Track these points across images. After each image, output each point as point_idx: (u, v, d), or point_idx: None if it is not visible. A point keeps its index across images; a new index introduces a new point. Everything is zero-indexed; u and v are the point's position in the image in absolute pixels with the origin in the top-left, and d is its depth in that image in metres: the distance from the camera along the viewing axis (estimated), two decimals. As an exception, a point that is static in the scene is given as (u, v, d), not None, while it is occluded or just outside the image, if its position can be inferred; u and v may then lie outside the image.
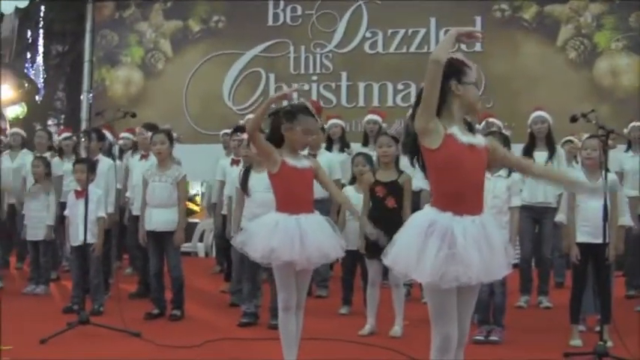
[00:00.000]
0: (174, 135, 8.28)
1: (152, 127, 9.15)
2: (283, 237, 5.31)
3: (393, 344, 6.69)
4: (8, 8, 15.63)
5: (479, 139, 4.13)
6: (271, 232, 5.37)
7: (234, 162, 9.21)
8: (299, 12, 14.71)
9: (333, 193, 5.79)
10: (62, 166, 10.05)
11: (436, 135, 3.99)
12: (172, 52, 15.56)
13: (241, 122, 10.67)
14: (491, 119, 9.17)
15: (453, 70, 4.05)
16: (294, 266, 5.37)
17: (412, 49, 13.99)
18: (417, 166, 4.22)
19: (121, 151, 10.83)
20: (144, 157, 9.31)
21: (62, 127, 18.81)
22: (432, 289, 4.01)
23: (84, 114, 16.53)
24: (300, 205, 5.43)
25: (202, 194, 12.98)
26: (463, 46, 13.29)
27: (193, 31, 15.43)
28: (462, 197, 3.98)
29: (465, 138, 4.01)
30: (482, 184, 4.14)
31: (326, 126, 9.78)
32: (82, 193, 7.80)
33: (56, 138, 11.21)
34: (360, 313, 7.61)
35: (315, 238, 5.33)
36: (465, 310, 4.16)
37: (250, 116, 10.79)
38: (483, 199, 4.16)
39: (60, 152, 10.33)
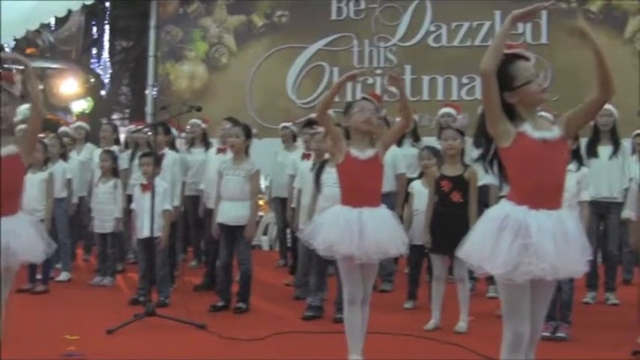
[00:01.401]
0: (254, 131, 8.31)
1: (232, 121, 9.16)
2: (343, 230, 5.30)
3: (457, 339, 6.62)
4: (75, 5, 15.79)
5: (553, 132, 4.03)
6: (332, 225, 5.38)
7: (305, 156, 9.20)
8: (362, 6, 14.70)
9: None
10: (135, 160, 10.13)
11: (507, 135, 3.97)
12: (236, 46, 15.65)
13: (313, 116, 10.72)
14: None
15: (503, 81, 3.97)
16: (355, 260, 5.35)
17: (477, 42, 13.88)
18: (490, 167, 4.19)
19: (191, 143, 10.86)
20: (221, 150, 9.31)
21: (128, 121, 18.98)
22: (505, 284, 3.95)
23: (149, 108, 16.72)
24: (364, 198, 5.39)
25: (266, 188, 12.98)
26: (528, 39, 13.22)
27: (257, 26, 15.50)
28: (537, 192, 3.92)
29: (537, 133, 3.95)
30: (560, 179, 4.06)
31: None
32: (148, 186, 7.86)
33: (132, 128, 11.28)
34: (425, 308, 7.55)
35: (374, 233, 5.29)
36: (539, 308, 4.09)
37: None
38: (562, 193, 4.08)
39: (135, 146, 10.38)
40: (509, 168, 4.06)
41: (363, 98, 5.66)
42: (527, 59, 4.07)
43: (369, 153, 5.44)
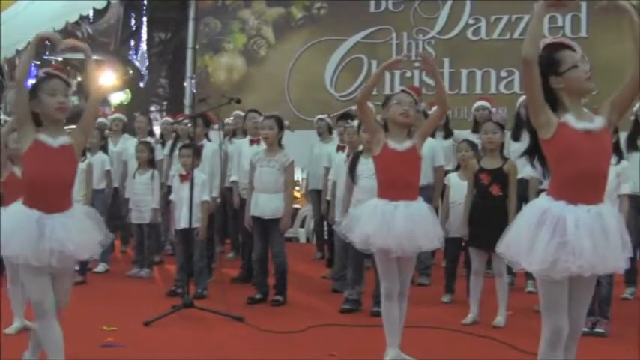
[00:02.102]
0: (285, 123, 8.30)
1: (260, 114, 9.20)
2: (379, 223, 5.29)
3: (495, 334, 6.58)
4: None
5: (596, 123, 3.95)
6: (369, 219, 5.37)
7: (340, 148, 9.19)
8: (401, -2, 14.65)
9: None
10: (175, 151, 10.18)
11: (549, 126, 3.92)
12: (275, 38, 15.65)
13: (354, 108, 10.68)
14: None
15: (548, 65, 3.95)
16: (391, 253, 5.32)
17: (516, 36, 13.75)
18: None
19: (225, 136, 10.90)
20: (254, 142, 9.32)
21: (166, 113, 19.07)
22: (543, 279, 3.91)
23: (187, 100, 16.77)
24: (400, 190, 5.36)
25: (303, 180, 13.00)
26: (568, 32, 13.10)
27: (295, 18, 15.49)
28: (577, 185, 3.87)
29: (580, 124, 3.89)
30: (602, 172, 3.98)
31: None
32: (187, 178, 7.88)
33: (169, 121, 11.33)
34: (463, 302, 7.51)
35: (409, 227, 5.26)
36: (580, 304, 4.03)
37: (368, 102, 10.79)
38: (604, 187, 4.01)
39: (175, 137, 10.41)
40: (549, 160, 4.01)
41: (402, 91, 5.62)
42: (573, 50, 4.02)
43: (406, 145, 5.42)
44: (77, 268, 8.76)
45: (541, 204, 3.98)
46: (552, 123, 3.91)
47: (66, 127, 4.72)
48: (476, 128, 9.52)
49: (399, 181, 5.36)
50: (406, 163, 5.40)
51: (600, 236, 3.80)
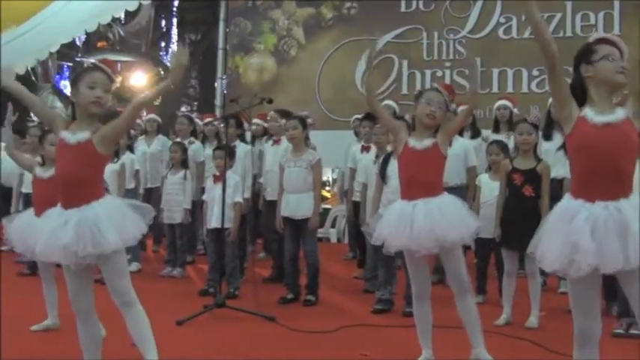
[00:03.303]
0: (309, 121, 8.30)
1: (285, 114, 9.23)
2: (395, 225, 5.25)
3: (528, 335, 6.54)
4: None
5: (617, 115, 3.90)
6: (387, 220, 5.36)
7: (364, 149, 9.19)
8: (432, -3, 14.63)
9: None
10: (204, 152, 10.23)
11: (569, 121, 3.92)
12: (305, 39, 15.69)
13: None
14: None
15: (583, 53, 3.97)
16: (415, 254, 5.28)
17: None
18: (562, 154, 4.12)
19: (254, 137, 10.93)
20: (276, 142, 9.35)
21: (196, 114, 19.15)
22: (568, 279, 3.90)
23: (218, 101, 16.84)
24: (419, 189, 5.25)
25: (334, 180, 13.00)
26: (600, 29, 13.01)
27: (326, 18, 15.51)
28: (593, 181, 3.82)
29: (599, 118, 3.85)
30: (622, 165, 3.88)
31: (458, 111, 9.62)
32: (220, 178, 7.90)
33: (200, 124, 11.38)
34: (495, 303, 7.47)
35: (427, 224, 5.13)
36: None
37: (388, 102, 10.74)
38: (628, 181, 3.92)
39: (203, 138, 10.46)
40: (569, 156, 4.01)
41: (435, 89, 5.52)
42: (615, 46, 3.99)
43: (426, 143, 5.31)
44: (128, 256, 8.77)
45: (562, 203, 3.97)
46: (573, 117, 3.90)
47: None
48: (497, 128, 9.51)
49: (417, 179, 5.27)
50: (425, 162, 5.29)
51: (617, 233, 3.74)
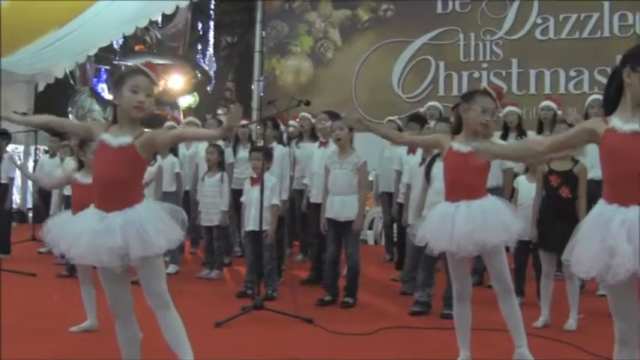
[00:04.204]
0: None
1: (333, 115, 9.22)
2: (437, 227, 5.24)
3: (567, 337, 6.49)
4: (183, 2, 16.07)
5: None
6: (429, 222, 5.34)
7: (411, 150, 9.17)
8: (468, -1, 14.60)
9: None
10: (236, 154, 10.27)
11: (597, 139, 3.89)
12: (341, 41, 15.74)
13: (421, 110, 10.63)
14: None
15: (632, 56, 3.85)
16: (456, 255, 5.26)
17: (585, 35, 13.66)
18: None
19: (289, 139, 10.95)
20: (323, 144, 9.34)
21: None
22: (606, 284, 3.87)
23: (254, 103, 16.89)
24: (462, 192, 5.23)
25: (370, 182, 12.96)
26: (638, 30, 12.91)
27: (362, 20, 15.56)
28: (626, 187, 3.79)
29: (627, 126, 3.79)
30: None
31: (501, 114, 9.57)
32: (257, 180, 7.91)
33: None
34: (533, 305, 7.41)
35: (467, 227, 5.10)
36: None
37: (434, 103, 10.66)
38: None
39: (236, 140, 10.51)
40: (600, 164, 3.96)
41: (487, 93, 5.39)
42: None
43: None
44: (167, 258, 8.81)
45: (595, 208, 3.93)
46: (599, 135, 3.87)
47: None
48: (540, 129, 9.44)
49: (461, 182, 5.24)
50: (468, 165, 5.21)
51: None
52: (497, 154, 4.58)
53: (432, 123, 8.29)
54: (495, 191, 7.71)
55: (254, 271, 8.12)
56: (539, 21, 14.08)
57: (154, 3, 15.01)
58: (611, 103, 3.94)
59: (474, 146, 4.51)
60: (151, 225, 4.41)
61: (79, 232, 4.47)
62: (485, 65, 14.22)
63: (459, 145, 5.28)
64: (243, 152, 9.82)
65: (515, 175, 8.27)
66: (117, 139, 4.47)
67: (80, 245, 4.44)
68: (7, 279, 9.11)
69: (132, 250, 4.32)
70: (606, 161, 3.87)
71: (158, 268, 4.57)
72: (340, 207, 7.87)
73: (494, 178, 8.20)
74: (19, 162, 10.91)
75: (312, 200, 9.22)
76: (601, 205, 3.88)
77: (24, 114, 11.11)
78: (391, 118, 10.80)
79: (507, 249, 5.71)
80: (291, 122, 11.10)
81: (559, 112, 9.54)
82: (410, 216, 7.93)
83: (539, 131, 9.41)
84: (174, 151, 10.11)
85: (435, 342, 6.38)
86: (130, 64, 18.76)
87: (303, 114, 10.42)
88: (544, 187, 7.08)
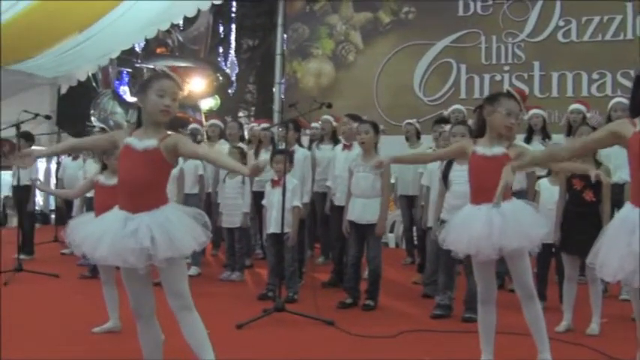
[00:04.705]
0: (381, 127, 8.30)
1: (356, 118, 9.22)
2: (458, 228, 5.23)
3: (590, 342, 6.44)
4: (205, 5, 16.11)
5: None
6: (453, 225, 5.32)
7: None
8: (490, 1, 14.59)
9: None
10: (258, 157, 10.28)
11: (624, 142, 3.91)
12: (363, 43, 15.73)
13: (445, 113, 10.58)
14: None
15: None
16: (477, 257, 5.24)
17: (608, 37, 13.58)
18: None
19: (311, 142, 10.96)
20: (347, 147, 9.32)
21: (254, 118, 19.27)
22: (631, 288, 3.85)
23: (276, 106, 16.92)
24: (485, 195, 5.13)
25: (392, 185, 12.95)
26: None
27: (383, 23, 15.55)
28: None
29: None
30: None
31: (526, 116, 9.52)
32: (279, 182, 7.93)
33: (256, 128, 11.43)
34: (555, 309, 7.38)
35: (485, 229, 5.05)
36: None
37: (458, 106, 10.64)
38: None
39: (258, 143, 10.52)
40: (629, 166, 3.95)
41: (512, 96, 5.34)
42: None
43: (495, 150, 5.23)
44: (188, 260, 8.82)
45: (622, 212, 3.92)
46: (626, 137, 3.87)
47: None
48: (569, 132, 9.38)
49: (484, 185, 5.17)
50: (493, 168, 5.12)
51: None
52: (524, 168, 4.53)
53: (447, 127, 8.23)
54: (520, 194, 7.71)
55: (275, 274, 8.13)
56: (561, 23, 14.01)
57: (176, 6, 15.05)
58: (638, 107, 3.92)
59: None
60: (178, 226, 4.43)
61: (102, 233, 4.49)
62: (507, 68, 14.17)
63: (483, 149, 5.26)
64: (265, 155, 9.83)
65: (538, 178, 8.24)
66: (142, 142, 4.49)
67: (103, 246, 4.45)
68: (31, 280, 9.19)
69: (159, 250, 4.33)
70: (632, 164, 3.85)
71: (181, 269, 4.59)
72: (362, 210, 7.86)
73: (518, 181, 8.19)
74: (38, 181, 10.99)
75: (335, 203, 9.21)
76: (628, 209, 3.86)
77: (47, 117, 11.28)
78: (409, 121, 10.78)
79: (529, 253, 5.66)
80: (313, 124, 11.12)
81: (588, 115, 9.50)
82: (429, 219, 7.92)
83: (569, 134, 9.35)
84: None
85: (456, 345, 6.37)
86: (151, 66, 18.84)
87: (325, 116, 10.42)
88: (567, 190, 7.04)
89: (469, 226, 5.14)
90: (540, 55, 14.03)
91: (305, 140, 10.76)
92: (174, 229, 4.39)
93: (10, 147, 14.70)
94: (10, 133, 10.62)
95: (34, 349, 5.98)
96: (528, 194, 8.26)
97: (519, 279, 5.32)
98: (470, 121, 7.59)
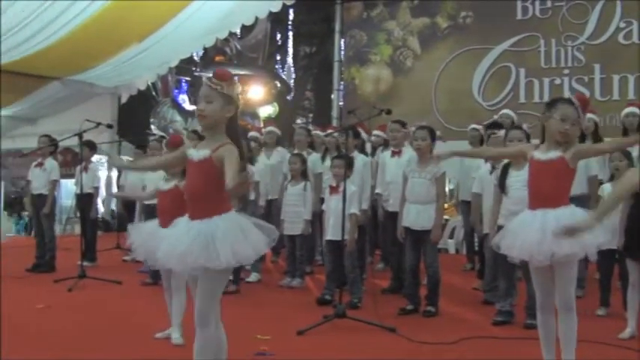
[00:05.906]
0: (438, 133, 8.28)
1: (402, 124, 9.20)
2: (513, 234, 5.19)
3: (654, 349, 6.36)
4: (262, 12, 16.19)
5: None
6: (510, 230, 5.27)
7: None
8: (548, 4, 14.45)
9: None
10: (324, 163, 10.28)
11: None
12: (421, 49, 15.71)
13: (496, 117, 10.50)
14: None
15: None
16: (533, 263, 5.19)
17: (670, 38, 13.40)
18: None
19: (374, 149, 10.93)
20: (396, 153, 9.28)
21: (312, 125, 19.33)
22: None
23: (334, 112, 16.95)
24: (541, 200, 5.13)
25: (450, 191, 12.88)
26: None
27: (441, 28, 15.52)
28: None
29: None
30: None
31: (597, 119, 9.42)
32: (337, 189, 7.96)
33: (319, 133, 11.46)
34: (619, 316, 7.29)
35: (538, 235, 4.98)
36: None
37: (506, 111, 10.58)
38: None
39: (324, 149, 10.51)
40: None
41: (569, 101, 5.28)
42: None
43: (551, 154, 5.16)
44: (231, 278, 8.93)
45: None
46: None
47: None
48: (625, 135, 9.25)
49: (540, 190, 5.16)
50: (548, 173, 5.14)
51: None
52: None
53: (500, 132, 8.13)
54: (581, 199, 7.60)
55: (332, 280, 8.17)
56: (622, 25, 13.84)
57: (234, 14, 15.16)
58: None
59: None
60: (222, 238, 4.41)
61: (162, 238, 4.60)
62: (566, 71, 14.04)
63: (539, 154, 5.22)
64: (329, 161, 9.87)
65: (601, 183, 8.14)
66: (198, 152, 4.59)
67: (160, 249, 4.62)
68: (94, 286, 9.32)
69: (195, 257, 4.37)
70: None
71: (215, 285, 4.56)
72: (416, 216, 7.85)
73: (579, 185, 8.06)
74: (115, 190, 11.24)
75: (389, 209, 9.19)
76: None
77: (109, 126, 11.45)
78: (474, 126, 10.68)
79: (587, 259, 5.55)
80: (375, 132, 11.09)
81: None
82: (485, 226, 7.85)
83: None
84: (250, 160, 10.16)
85: (518, 352, 6.33)
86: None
87: (391, 124, 10.35)
88: (632, 194, 6.94)
89: (523, 231, 5.11)
90: (600, 58, 13.87)
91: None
92: (216, 239, 4.38)
93: (73, 156, 14.93)
94: (72, 142, 10.77)
95: (98, 354, 6.07)
96: (591, 200, 8.16)
97: (562, 289, 5.17)
98: (525, 126, 7.53)
